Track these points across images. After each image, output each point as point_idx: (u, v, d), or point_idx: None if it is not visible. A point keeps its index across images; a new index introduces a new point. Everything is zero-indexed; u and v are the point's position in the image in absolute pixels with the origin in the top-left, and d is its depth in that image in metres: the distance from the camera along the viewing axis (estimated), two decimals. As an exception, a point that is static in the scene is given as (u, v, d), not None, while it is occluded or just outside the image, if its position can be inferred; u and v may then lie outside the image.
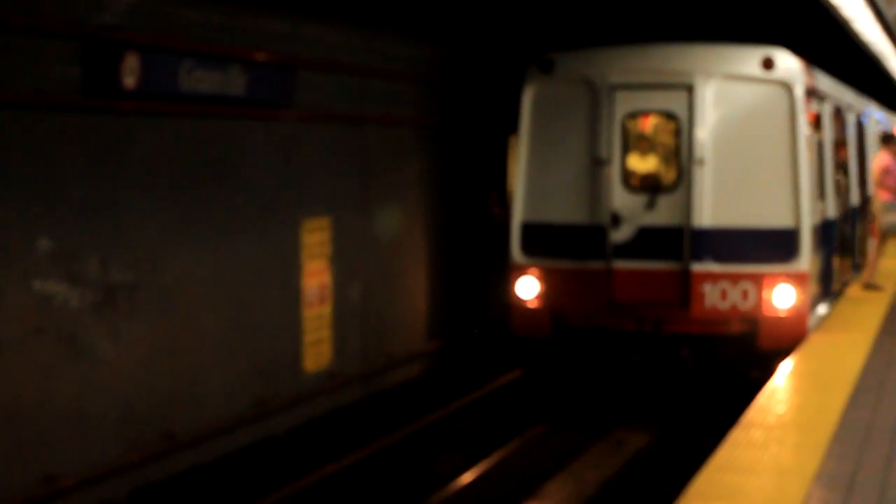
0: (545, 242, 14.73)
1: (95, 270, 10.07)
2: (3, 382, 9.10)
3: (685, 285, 14.07)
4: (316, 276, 13.52)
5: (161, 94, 10.67)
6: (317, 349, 13.53)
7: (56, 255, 9.65)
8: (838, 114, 18.23)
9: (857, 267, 20.79)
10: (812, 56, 16.05)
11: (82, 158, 9.96)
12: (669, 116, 14.43)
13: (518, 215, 15.00)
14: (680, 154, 14.24)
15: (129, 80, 10.06)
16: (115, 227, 10.33)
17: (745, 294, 13.88)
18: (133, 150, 10.56)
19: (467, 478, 12.90)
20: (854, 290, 18.39)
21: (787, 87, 14.01)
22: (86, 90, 9.80)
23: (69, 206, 9.81)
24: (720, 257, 13.92)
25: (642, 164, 14.54)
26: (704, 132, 14.02)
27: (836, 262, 17.31)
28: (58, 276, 9.65)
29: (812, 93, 14.93)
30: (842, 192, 18.15)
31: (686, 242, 14.04)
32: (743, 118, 14.23)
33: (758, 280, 13.89)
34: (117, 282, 10.32)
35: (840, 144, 18.37)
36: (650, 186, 14.37)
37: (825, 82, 16.80)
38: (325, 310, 13.71)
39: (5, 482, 9.02)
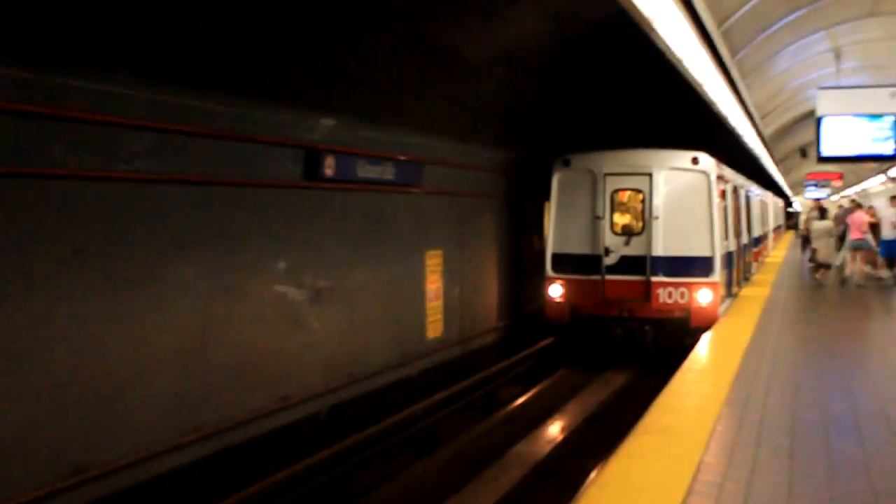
0: (566, 264, 15.59)
1: (309, 280, 10.40)
2: (260, 342, 9.46)
3: (647, 289, 14.93)
4: (433, 284, 13.75)
5: (346, 179, 10.90)
6: (434, 325, 13.76)
7: (288, 271, 9.98)
8: (735, 190, 18.66)
9: (746, 279, 20.72)
10: (720, 155, 16.59)
11: (303, 215, 10.26)
12: (638, 191, 15.26)
13: (550, 248, 15.84)
14: (644, 213, 15.10)
15: (328, 171, 10.44)
16: (320, 255, 10.62)
17: (682, 294, 14.78)
18: (330, 210, 10.86)
19: (520, 400, 13.65)
20: (744, 293, 18.58)
21: (706, 174, 14.93)
22: (305, 177, 10.15)
23: (295, 243, 10.10)
24: (668, 273, 14.88)
25: (622, 218, 15.51)
26: (658, 200, 14.98)
27: (734, 276, 17.69)
28: (289, 283, 10.01)
29: (720, 178, 15.64)
30: (737, 235, 18.42)
31: (648, 264, 14.93)
32: (681, 192, 14.99)
33: (689, 286, 14.74)
34: (321, 286, 10.64)
35: (736, 209, 18.69)
36: (627, 232, 15.28)
37: (727, 171, 17.46)
38: (439, 303, 13.91)
39: (261, 400, 9.38)
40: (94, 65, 7.03)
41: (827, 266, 21.22)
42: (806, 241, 25.14)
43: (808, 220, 26.16)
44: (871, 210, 25.22)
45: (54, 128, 6.78)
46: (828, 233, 21.12)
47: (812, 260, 23.32)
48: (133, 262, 7.70)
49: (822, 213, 24.35)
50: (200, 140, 8.36)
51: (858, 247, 20.60)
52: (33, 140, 6.65)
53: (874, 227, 21.45)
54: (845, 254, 21.11)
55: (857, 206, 23.58)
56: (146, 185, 7.77)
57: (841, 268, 21.21)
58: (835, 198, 55.37)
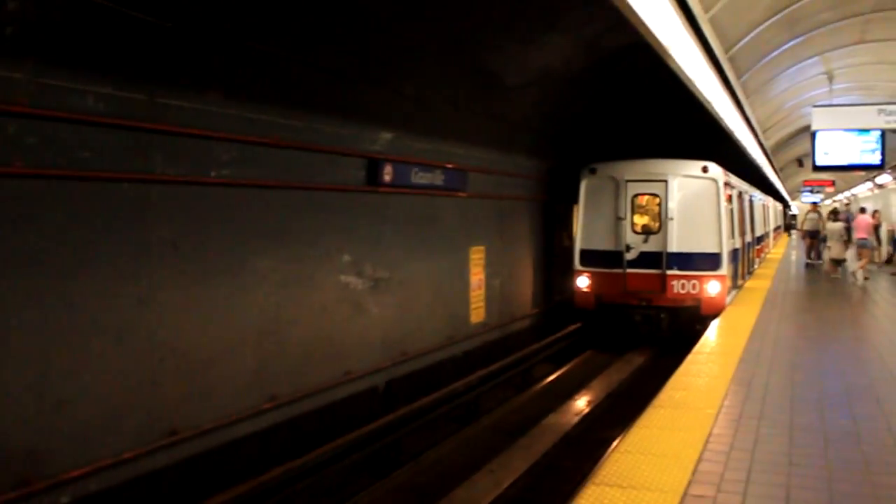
0: (592, 258, 15.56)
1: (369, 270, 10.35)
2: (328, 325, 9.43)
3: (663, 281, 14.87)
4: (477, 275, 13.61)
5: (402, 184, 10.87)
6: (477, 311, 13.62)
7: (352, 263, 9.95)
8: (740, 195, 18.52)
9: (750, 273, 20.53)
10: (727, 164, 16.49)
11: (364, 215, 10.23)
12: (655, 195, 15.19)
13: (578, 245, 15.81)
14: (660, 214, 15.06)
15: (387, 178, 10.39)
16: (379, 248, 10.56)
17: (694, 286, 14.71)
18: (388, 211, 10.80)
19: (552, 377, 13.79)
20: (748, 285, 18.22)
21: (714, 181, 14.89)
22: (367, 182, 10.12)
23: (358, 239, 10.05)
24: (681, 267, 14.81)
25: (641, 219, 15.41)
26: (673, 203, 14.94)
27: (739, 270, 17.69)
28: (352, 273, 9.97)
29: (727, 184, 15.52)
30: (741, 235, 18.37)
31: (664, 259, 14.89)
32: (692, 197, 14.93)
33: (700, 279, 14.68)
34: (380, 276, 10.58)
35: (741, 211, 18.56)
36: (645, 231, 15.24)
37: (733, 178, 17.36)
38: (481, 292, 13.77)
39: (327, 374, 9.34)
40: (190, 86, 7.12)
41: (839, 262, 21.13)
42: (810, 238, 25.05)
43: (805, 221, 25.95)
44: (876, 214, 25.02)
45: (155, 140, 6.88)
46: (839, 233, 20.92)
47: (814, 256, 23.15)
48: (220, 254, 7.77)
49: (836, 215, 24.25)
50: (278, 150, 8.41)
51: (863, 245, 20.79)
52: (138, 150, 6.75)
53: (876, 229, 21.66)
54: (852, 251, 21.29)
55: (861, 210, 23.57)
56: (231, 189, 7.84)
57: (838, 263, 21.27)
58: (828, 202, 54.85)
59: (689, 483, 5.07)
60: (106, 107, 6.30)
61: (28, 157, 5.75)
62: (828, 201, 55.45)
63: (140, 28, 6.21)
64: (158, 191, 6.97)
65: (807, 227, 25.23)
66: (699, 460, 5.52)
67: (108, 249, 6.50)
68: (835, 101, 20.43)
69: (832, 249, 21.08)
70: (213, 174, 7.58)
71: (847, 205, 24.31)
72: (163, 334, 7.06)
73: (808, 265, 24.03)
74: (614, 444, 8.76)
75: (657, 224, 15.24)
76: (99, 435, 6.40)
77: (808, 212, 26.19)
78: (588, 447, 9.72)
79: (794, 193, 65.89)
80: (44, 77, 5.76)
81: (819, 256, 25.08)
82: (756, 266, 23.43)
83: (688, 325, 14.71)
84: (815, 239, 25.04)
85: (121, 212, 6.63)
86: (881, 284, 19.42)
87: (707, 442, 5.97)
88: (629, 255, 15.28)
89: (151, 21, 6.23)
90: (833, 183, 49.26)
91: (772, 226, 36.99)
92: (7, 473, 5.65)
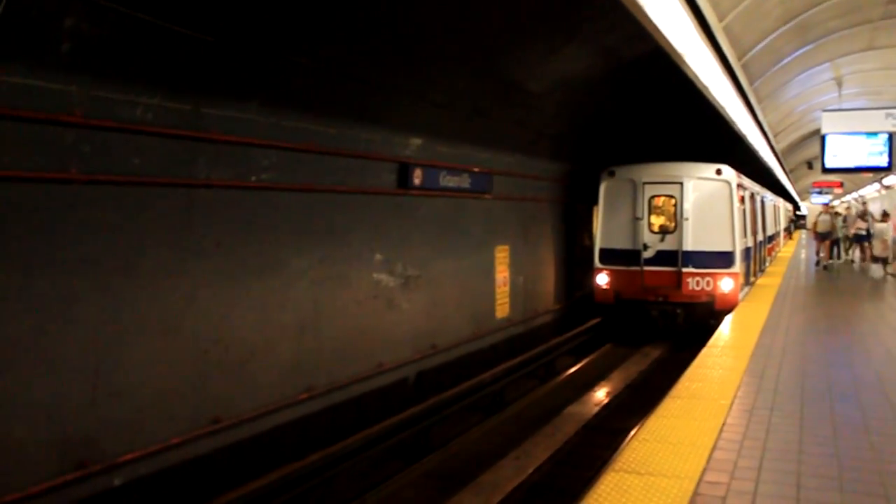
0: (611, 257, 15.46)
1: (400, 269, 10.40)
2: (363, 319, 9.50)
3: (679, 278, 14.76)
4: (502, 273, 13.60)
5: (430, 187, 10.86)
6: (502, 307, 13.61)
7: (383, 261, 10.00)
8: (752, 196, 18.39)
9: (761, 271, 20.34)
10: (740, 167, 16.53)
11: (396, 216, 10.27)
12: (671, 197, 15.08)
13: (598, 243, 15.71)
14: (676, 215, 14.94)
15: (416, 181, 10.41)
16: (409, 248, 10.59)
17: (708, 283, 14.59)
18: (418, 213, 10.86)
19: (572, 370, 13.63)
20: (760, 282, 18.10)
21: (728, 183, 14.76)
22: (398, 186, 10.16)
23: (389, 239, 10.08)
24: (696, 265, 14.70)
25: (658, 219, 15.29)
26: (688, 204, 14.82)
27: (751, 267, 17.46)
28: (384, 271, 10.02)
29: (740, 186, 15.45)
30: (753, 234, 18.19)
31: (679, 257, 14.77)
32: (707, 198, 14.82)
33: (714, 276, 14.56)
34: (410, 274, 10.63)
35: (753, 212, 18.40)
36: (662, 230, 15.12)
37: (746, 180, 17.32)
38: (506, 289, 13.75)
39: (364, 367, 9.40)
40: (232, 97, 7.19)
41: (883, 259, 21.09)
42: (822, 239, 23.65)
43: (818, 222, 24.19)
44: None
45: (200, 148, 6.95)
46: (883, 233, 20.83)
47: (825, 258, 22.71)
48: (260, 253, 7.82)
49: (885, 215, 23.55)
50: (313, 155, 8.44)
51: None
52: (184, 157, 6.83)
53: None
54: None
55: (885, 215, 23.31)
56: (270, 193, 7.89)
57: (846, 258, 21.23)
58: (836, 202, 54.33)
59: (705, 470, 5.06)
60: (154, 117, 6.39)
61: (83, 164, 5.84)
62: (836, 202, 54.89)
63: (185, 42, 6.27)
64: (202, 195, 7.04)
65: (820, 228, 23.69)
66: (714, 448, 5.50)
67: (155, 250, 6.58)
68: (844, 106, 20.25)
69: (875, 247, 21.02)
70: (253, 179, 7.63)
71: (864, 204, 23.65)
72: (207, 329, 7.12)
73: (821, 266, 22.83)
74: (633, 432, 8.76)
75: (673, 224, 15.12)
76: (149, 422, 6.49)
77: (821, 213, 24.54)
78: (607, 435, 9.70)
79: (804, 194, 65.31)
80: (97, 90, 5.84)
81: (838, 256, 24.38)
82: (767, 264, 23.19)
83: (702, 320, 14.60)
84: (826, 240, 23.61)
85: (168, 215, 6.71)
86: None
87: (721, 431, 5.94)
88: (646, 254, 15.19)
89: (195, 36, 6.30)
90: (841, 184, 48.83)
91: (782, 226, 36.70)
92: (67, 456, 5.77)
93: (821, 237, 23.62)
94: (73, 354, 5.85)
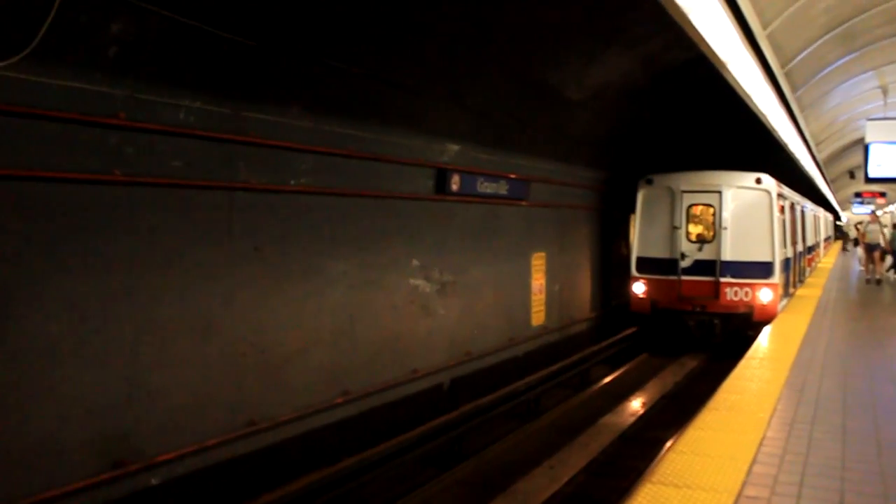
0: (648, 266, 15.41)
1: (437, 275, 10.40)
2: (398, 325, 9.53)
3: (717, 288, 14.66)
4: (538, 280, 13.59)
5: (468, 193, 10.91)
6: (537, 315, 13.59)
7: (420, 268, 10.01)
8: (792, 206, 18.26)
9: (801, 282, 20.04)
10: (780, 176, 16.29)
11: (433, 222, 10.29)
12: (709, 205, 15.01)
13: (635, 252, 15.67)
14: (714, 224, 14.88)
15: (454, 187, 10.45)
16: (445, 254, 10.59)
17: (746, 293, 14.49)
18: (454, 219, 10.84)
19: (608, 379, 13.58)
20: (799, 293, 17.79)
21: (768, 192, 14.70)
22: (435, 191, 10.20)
23: (426, 245, 10.11)
24: (734, 275, 14.58)
25: (696, 228, 15.24)
26: (727, 213, 14.74)
27: (790, 278, 17.26)
28: (420, 277, 10.04)
29: (780, 195, 15.30)
30: (793, 244, 18.03)
31: (717, 267, 14.69)
32: (746, 207, 14.73)
33: (753, 286, 14.47)
34: (446, 280, 10.63)
35: (793, 222, 18.26)
36: (700, 240, 15.04)
37: (786, 190, 17.11)
38: (542, 297, 13.73)
39: (399, 373, 9.45)
40: (271, 101, 7.24)
41: None
42: (868, 249, 21.83)
43: (865, 232, 22.12)
44: None
45: (239, 151, 7.01)
46: None
47: (873, 270, 22.04)
48: (298, 258, 7.85)
49: None
50: (352, 160, 8.47)
51: None
52: (224, 160, 6.89)
53: None
54: None
55: None
56: (309, 197, 7.92)
57: None
58: (879, 212, 53.44)
59: (744, 484, 4.94)
60: (196, 120, 6.46)
61: (126, 166, 5.94)
62: (879, 212, 53.99)
63: (227, 47, 6.34)
64: (241, 197, 7.10)
65: (869, 239, 21.66)
66: (753, 462, 5.38)
67: (195, 251, 6.64)
68: (889, 115, 19.92)
69: None
70: (291, 182, 7.68)
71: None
72: (244, 331, 7.17)
73: (873, 281, 21.30)
74: (669, 444, 8.62)
75: (711, 233, 15.02)
76: (185, 423, 6.54)
77: (868, 222, 22.33)
78: (643, 446, 9.61)
79: (845, 204, 64.35)
80: (140, 93, 5.93)
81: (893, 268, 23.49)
82: (807, 275, 22.91)
83: (740, 331, 14.45)
84: (876, 251, 21.62)
85: (207, 216, 6.77)
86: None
87: (761, 445, 5.81)
88: (684, 263, 15.10)
89: (237, 40, 6.36)
90: (883, 194, 47.95)
91: (822, 236, 36.22)
92: (105, 455, 5.83)
93: (869, 248, 21.87)
94: (112, 353, 5.90)
